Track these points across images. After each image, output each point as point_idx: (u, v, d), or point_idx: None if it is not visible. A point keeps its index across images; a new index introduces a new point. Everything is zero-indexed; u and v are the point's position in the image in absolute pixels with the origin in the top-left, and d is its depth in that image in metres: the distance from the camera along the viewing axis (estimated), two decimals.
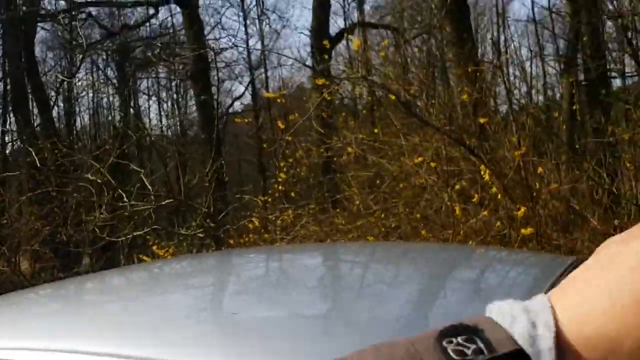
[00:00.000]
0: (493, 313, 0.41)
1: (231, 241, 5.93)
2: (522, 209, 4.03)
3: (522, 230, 4.01)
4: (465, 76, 7.41)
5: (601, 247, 0.44)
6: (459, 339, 0.38)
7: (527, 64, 17.09)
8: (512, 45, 15.84)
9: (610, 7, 5.58)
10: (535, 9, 16.61)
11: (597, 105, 8.93)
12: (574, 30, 11.34)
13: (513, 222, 4.70)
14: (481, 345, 0.38)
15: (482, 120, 5.52)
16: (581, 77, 11.53)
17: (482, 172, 4.30)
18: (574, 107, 6.58)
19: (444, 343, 0.38)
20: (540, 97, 15.90)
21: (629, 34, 5.19)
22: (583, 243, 5.30)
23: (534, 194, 5.21)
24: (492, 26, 17.29)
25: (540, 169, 5.77)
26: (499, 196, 4.34)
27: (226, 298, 1.79)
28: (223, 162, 8.26)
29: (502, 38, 16.34)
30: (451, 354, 0.37)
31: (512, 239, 4.78)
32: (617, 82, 13.14)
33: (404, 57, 9.03)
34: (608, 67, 11.60)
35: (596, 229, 5.90)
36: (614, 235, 0.43)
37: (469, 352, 0.37)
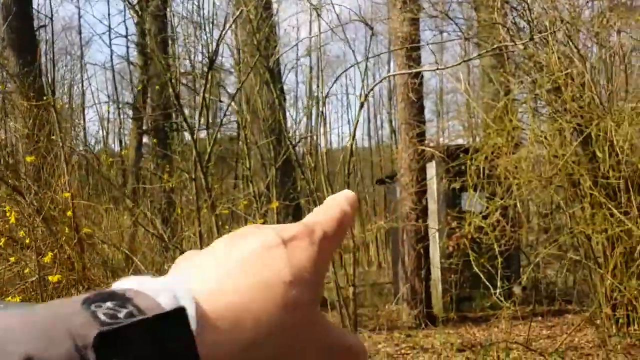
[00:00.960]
0: (134, 286, 0.38)
1: None
2: (50, 255, 3.82)
3: (50, 278, 3.79)
4: (23, 111, 6.94)
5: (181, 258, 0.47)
6: (109, 304, 0.35)
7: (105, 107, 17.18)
8: (90, 89, 15.74)
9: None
10: (116, 57, 16.87)
11: (162, 154, 9.45)
12: (143, 81, 11.89)
13: (48, 268, 4.45)
14: (132, 309, 0.35)
15: (29, 159, 5.17)
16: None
17: (8, 214, 3.96)
18: (124, 153, 6.71)
19: (93, 307, 0.35)
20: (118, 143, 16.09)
21: (177, 91, 5.58)
22: None
23: (80, 237, 5.09)
24: (71, 67, 16.88)
25: (92, 212, 5.70)
26: (28, 240, 4.05)
27: None
28: None
29: (80, 81, 16.10)
30: (101, 316, 0.34)
31: (49, 285, 4.53)
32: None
33: None
34: (177, 119, 12.45)
35: (144, 272, 6.10)
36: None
37: (121, 315, 0.34)
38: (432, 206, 8.44)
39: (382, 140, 21.11)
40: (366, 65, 4.89)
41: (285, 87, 20.15)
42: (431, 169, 8.22)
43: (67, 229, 5.15)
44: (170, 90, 5.32)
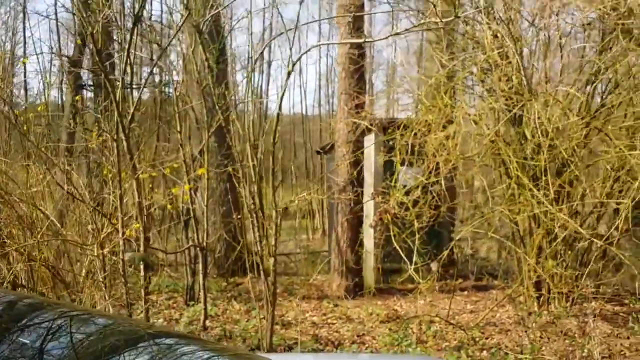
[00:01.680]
0: None
1: None
2: None
3: None
4: None
5: None
6: None
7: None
8: (32, 39, 15.08)
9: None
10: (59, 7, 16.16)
11: (95, 110, 9.12)
12: (81, 34, 11.42)
13: None
14: None
15: None
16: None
17: None
18: (40, 108, 6.42)
19: None
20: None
21: (99, 47, 5.33)
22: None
23: None
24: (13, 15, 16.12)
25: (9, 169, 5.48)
26: None
27: None
28: None
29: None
30: None
31: None
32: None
33: None
34: (114, 74, 11.98)
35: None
36: None
37: None
38: (369, 179, 8.42)
39: (332, 109, 21.02)
40: (294, 34, 4.76)
41: (236, 51, 19.68)
42: (369, 142, 8.17)
43: None
44: (92, 45, 5.09)
